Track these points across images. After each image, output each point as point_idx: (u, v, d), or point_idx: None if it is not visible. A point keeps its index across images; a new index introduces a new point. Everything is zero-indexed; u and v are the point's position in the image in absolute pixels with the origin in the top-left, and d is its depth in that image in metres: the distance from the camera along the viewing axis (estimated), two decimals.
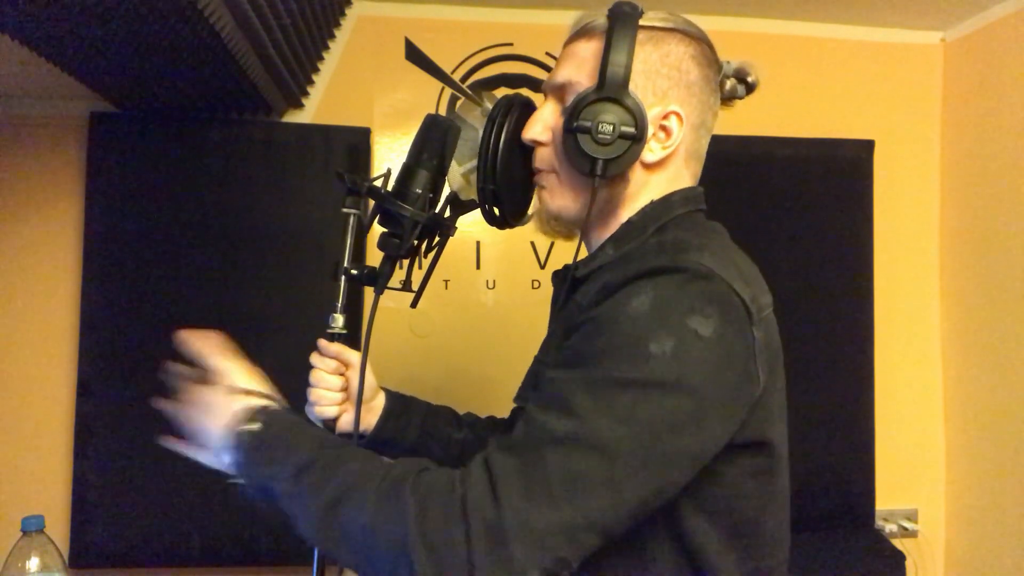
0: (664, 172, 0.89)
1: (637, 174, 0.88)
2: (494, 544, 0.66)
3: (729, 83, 0.94)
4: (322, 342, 1.02)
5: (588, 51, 0.87)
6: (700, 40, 0.89)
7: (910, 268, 2.09)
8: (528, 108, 0.97)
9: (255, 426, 0.82)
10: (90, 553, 1.72)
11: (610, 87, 0.81)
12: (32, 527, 1.20)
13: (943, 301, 2.10)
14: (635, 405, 0.69)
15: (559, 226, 0.92)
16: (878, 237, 2.03)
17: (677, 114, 0.86)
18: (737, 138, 1.94)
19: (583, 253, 0.92)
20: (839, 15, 2.01)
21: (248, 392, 0.88)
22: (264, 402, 0.87)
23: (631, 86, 0.82)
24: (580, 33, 0.89)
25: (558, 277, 1.01)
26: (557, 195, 0.91)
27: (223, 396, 0.87)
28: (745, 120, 1.80)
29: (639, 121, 0.81)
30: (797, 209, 2.00)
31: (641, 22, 0.85)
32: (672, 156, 0.88)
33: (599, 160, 0.82)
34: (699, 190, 0.92)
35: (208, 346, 0.94)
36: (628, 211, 0.89)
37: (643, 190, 0.89)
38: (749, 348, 0.75)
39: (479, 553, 0.66)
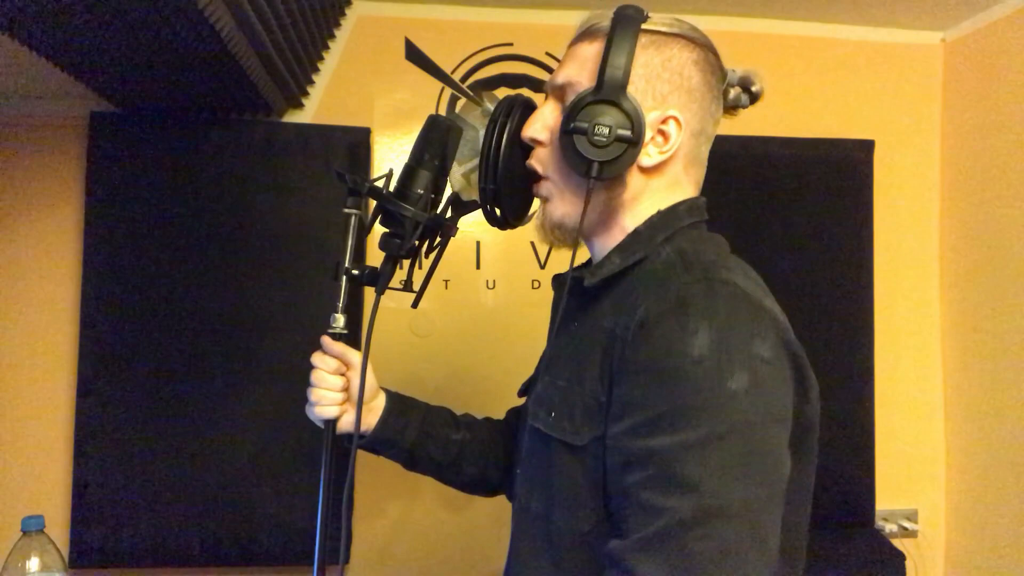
0: (663, 177, 0.89)
1: (635, 178, 0.87)
2: None
3: (733, 91, 0.93)
4: (326, 339, 1.02)
5: (590, 52, 0.87)
6: (704, 47, 0.89)
7: (910, 268, 2.09)
8: (529, 109, 0.97)
9: None
10: (90, 553, 1.72)
11: (608, 89, 0.81)
12: (32, 527, 1.20)
13: (943, 301, 2.10)
14: (745, 454, 0.70)
15: (562, 234, 0.91)
16: (878, 237, 2.03)
17: (676, 119, 0.86)
18: (737, 138, 1.94)
19: (581, 254, 0.91)
20: (839, 15, 2.01)
21: None
22: None
23: (631, 89, 0.82)
24: (584, 35, 0.89)
25: (559, 282, 1.00)
26: (559, 204, 0.90)
27: None
28: (745, 120, 1.79)
29: (636, 124, 0.81)
30: (797, 209, 2.00)
31: (645, 26, 0.85)
32: (670, 161, 0.88)
33: (594, 162, 0.82)
34: (702, 201, 0.92)
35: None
36: (630, 216, 0.89)
37: (643, 195, 0.89)
38: (790, 356, 0.78)
39: None
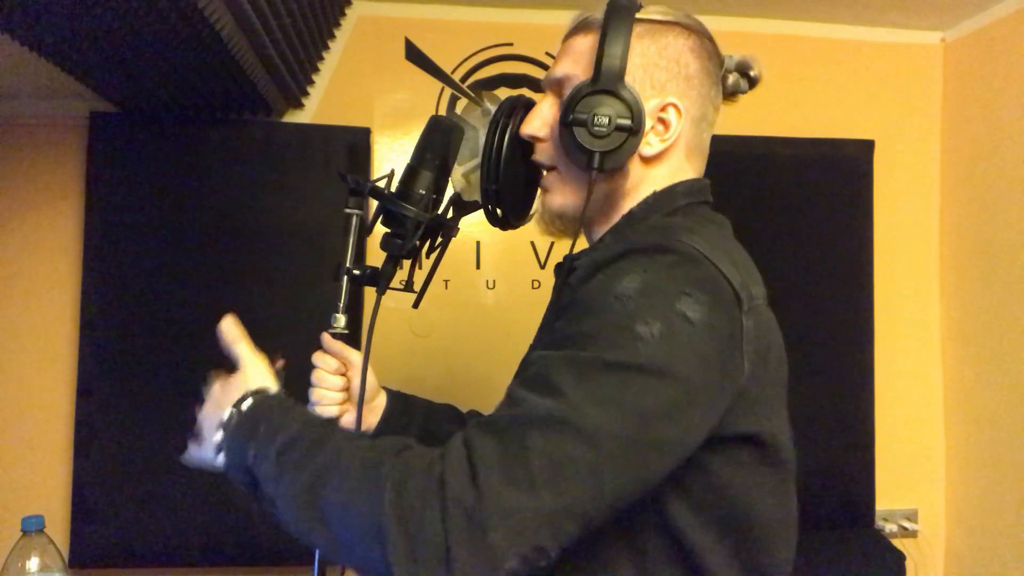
0: (664, 166, 0.88)
1: (636, 167, 0.87)
2: (472, 529, 0.63)
3: (732, 77, 0.93)
4: (326, 338, 1.02)
5: (585, 45, 0.87)
6: (700, 33, 0.89)
7: (910, 268, 2.09)
8: (530, 109, 0.96)
9: (246, 404, 0.82)
10: (90, 553, 1.72)
11: (605, 79, 0.81)
12: (32, 527, 1.20)
13: (943, 301, 2.10)
14: (621, 389, 0.67)
15: (562, 224, 0.91)
16: (878, 237, 2.03)
17: (675, 106, 0.85)
18: (737, 138, 1.94)
19: (581, 244, 0.91)
20: (839, 15, 2.01)
21: (253, 381, 0.89)
22: (260, 385, 0.87)
23: (628, 79, 0.82)
24: (578, 28, 0.89)
25: (558, 268, 1.00)
26: (559, 193, 0.90)
27: (233, 383, 0.89)
28: (746, 120, 1.80)
29: (635, 113, 0.80)
30: (797, 209, 2.00)
31: (639, 16, 0.85)
32: (672, 149, 0.87)
33: (596, 153, 0.81)
34: (705, 182, 0.91)
35: (236, 335, 0.97)
36: (630, 205, 0.88)
37: (643, 184, 0.88)
38: (736, 336, 0.73)
39: (456, 538, 0.63)
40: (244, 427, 0.80)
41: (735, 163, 1.96)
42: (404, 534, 0.65)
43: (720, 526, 0.76)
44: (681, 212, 0.86)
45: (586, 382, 0.67)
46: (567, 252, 0.88)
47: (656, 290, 0.70)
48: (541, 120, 0.91)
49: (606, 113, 0.80)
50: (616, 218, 0.89)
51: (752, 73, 0.93)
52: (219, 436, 0.82)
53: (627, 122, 0.80)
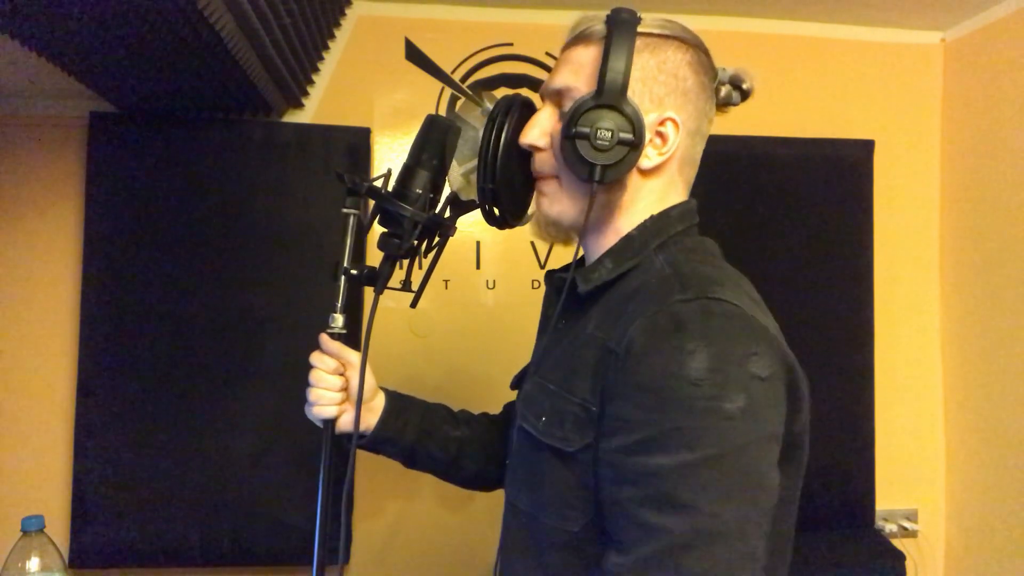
0: (660, 178, 0.90)
1: (633, 180, 0.89)
2: None
3: (724, 89, 0.94)
4: (324, 337, 1.02)
5: (586, 57, 0.87)
6: (697, 47, 0.90)
7: (910, 268, 2.09)
8: (528, 108, 0.97)
9: None
10: (90, 553, 1.72)
11: (609, 94, 0.82)
12: (32, 527, 1.20)
13: (943, 300, 2.10)
14: (737, 476, 0.71)
15: (556, 231, 0.93)
16: (878, 237, 2.03)
17: (674, 120, 0.87)
18: (737, 138, 1.94)
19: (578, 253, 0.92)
20: (839, 15, 2.01)
21: None
22: None
23: (629, 92, 0.83)
24: (578, 39, 0.90)
25: (550, 280, 1.01)
26: (556, 201, 0.91)
27: None
28: (745, 120, 1.79)
29: (637, 128, 0.82)
30: (797, 209, 2.00)
31: (640, 29, 0.85)
32: (668, 162, 0.89)
33: (597, 166, 0.83)
34: (693, 204, 0.93)
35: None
36: (625, 217, 0.90)
37: (639, 196, 0.89)
38: (783, 371, 0.79)
39: None
40: None
41: (735, 163, 1.96)
42: None
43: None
44: (679, 239, 0.89)
45: (706, 486, 0.71)
46: (568, 256, 0.89)
47: (726, 362, 0.73)
48: (540, 130, 0.91)
49: (609, 127, 0.82)
50: (609, 231, 0.91)
51: (744, 86, 0.95)
52: None
53: (629, 136, 0.82)
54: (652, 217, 0.89)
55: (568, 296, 0.89)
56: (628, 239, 0.89)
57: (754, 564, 0.72)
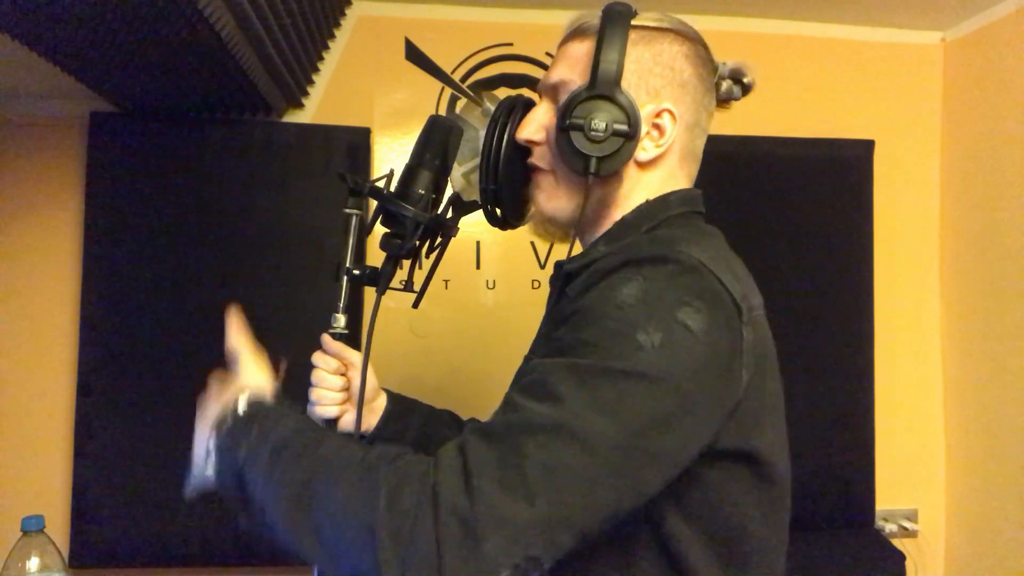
0: (658, 171, 0.88)
1: (631, 173, 0.87)
2: (465, 537, 0.63)
3: (725, 84, 0.93)
4: (326, 337, 1.02)
5: (581, 51, 0.87)
6: (694, 40, 0.89)
7: (910, 268, 2.09)
8: (530, 108, 0.97)
9: (240, 408, 0.82)
10: (90, 553, 1.72)
11: (602, 85, 0.81)
12: (32, 527, 1.20)
13: (943, 301, 2.10)
14: (620, 397, 0.67)
15: (554, 227, 0.92)
16: (878, 237, 2.03)
17: (670, 112, 0.86)
18: (737, 138, 1.94)
19: (577, 250, 0.91)
20: (839, 15, 2.01)
21: (249, 382, 0.89)
22: (256, 387, 0.87)
23: (624, 85, 0.82)
24: (573, 34, 0.89)
25: (552, 276, 1.01)
26: (552, 196, 0.90)
27: (229, 385, 0.88)
28: (745, 120, 1.79)
29: (632, 118, 0.81)
30: (797, 209, 2.00)
31: (634, 22, 0.85)
32: (666, 155, 0.87)
33: (592, 158, 0.82)
34: (697, 192, 0.92)
35: (238, 329, 0.97)
36: (622, 210, 0.88)
37: (637, 189, 0.88)
38: (736, 346, 0.73)
39: (448, 546, 0.63)
40: (238, 428, 0.80)
41: (735, 163, 1.96)
42: (396, 543, 0.64)
43: (713, 542, 0.76)
44: (675, 221, 0.86)
45: (585, 388, 0.67)
46: (566, 254, 0.88)
47: (657, 299, 0.70)
48: (537, 124, 0.91)
49: (603, 118, 0.81)
50: (607, 223, 0.89)
51: (745, 80, 0.94)
52: (211, 439, 0.82)
53: (624, 127, 0.81)
54: (648, 201, 0.87)
55: (564, 283, 0.88)
56: (622, 222, 0.87)
57: (588, 491, 0.65)
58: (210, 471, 0.83)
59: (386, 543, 0.64)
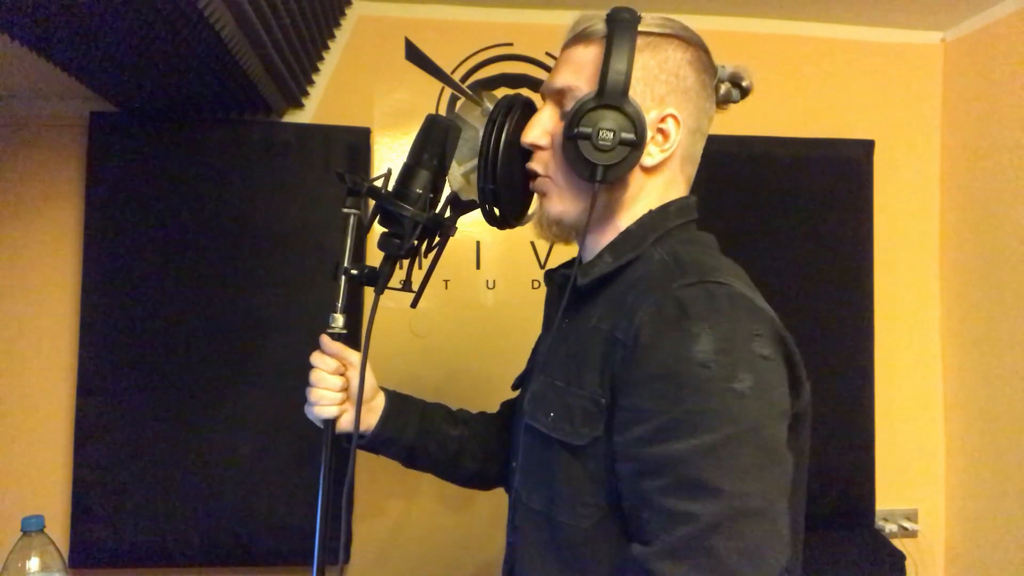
0: (661, 176, 0.90)
1: (636, 177, 0.89)
2: None
3: (724, 87, 0.95)
4: (324, 338, 1.02)
5: (587, 56, 0.87)
6: (697, 46, 0.91)
7: (910, 268, 2.09)
8: (529, 108, 0.97)
9: None
10: (90, 553, 1.72)
11: (610, 94, 0.82)
12: (32, 527, 1.20)
13: (943, 301, 2.10)
14: (756, 453, 0.72)
15: (558, 231, 0.93)
16: (878, 237, 2.03)
17: (675, 118, 0.87)
18: (737, 138, 1.94)
19: (571, 251, 0.93)
20: (839, 15, 2.01)
21: None
22: None
23: (630, 92, 0.83)
24: (578, 38, 0.90)
25: (551, 280, 1.01)
26: (557, 201, 0.91)
27: None
28: (745, 120, 1.80)
29: (639, 128, 0.82)
30: (797, 209, 2.00)
31: (640, 28, 0.85)
32: (669, 159, 0.89)
33: (599, 166, 0.83)
34: (692, 200, 0.94)
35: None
36: (626, 215, 0.90)
37: (640, 194, 0.90)
38: (791, 356, 0.80)
39: None
40: None
41: (734, 163, 1.96)
42: None
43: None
44: (676, 232, 0.89)
45: (727, 466, 0.71)
46: (568, 255, 0.89)
47: (732, 343, 0.74)
48: (541, 129, 0.91)
49: (611, 128, 0.82)
50: (609, 228, 0.91)
51: (744, 84, 0.96)
52: None
53: (631, 136, 0.82)
54: (650, 212, 0.89)
55: (570, 293, 0.89)
56: (627, 233, 0.89)
57: (781, 538, 0.72)
58: None
59: None
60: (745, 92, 0.96)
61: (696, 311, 0.75)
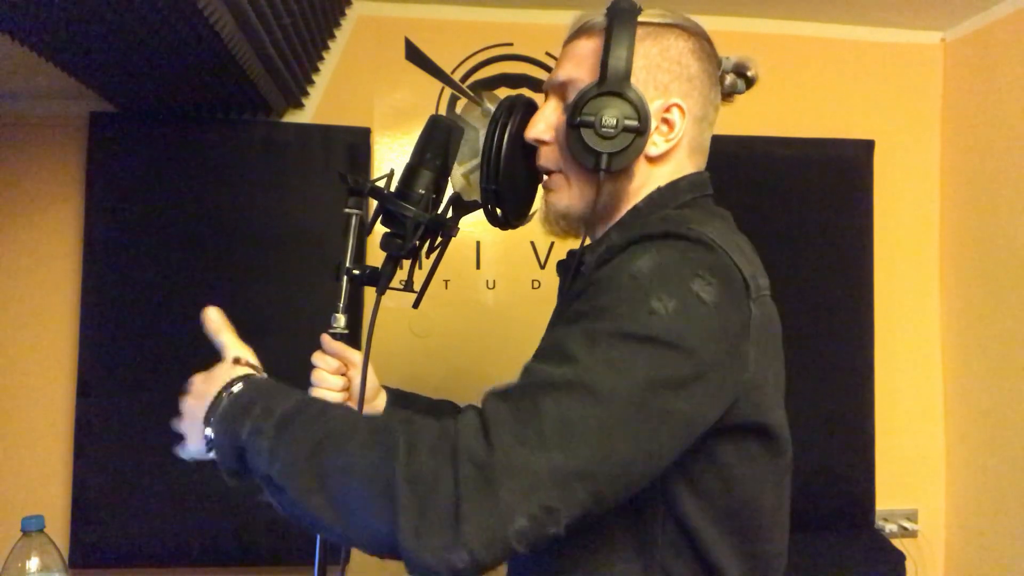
0: (668, 165, 0.89)
1: (641, 167, 0.88)
2: (482, 485, 0.64)
3: (729, 78, 0.94)
4: (325, 337, 1.02)
5: (588, 48, 0.88)
6: (699, 35, 0.90)
7: (910, 268, 2.09)
8: (530, 108, 0.97)
9: (236, 387, 0.82)
10: (90, 553, 1.72)
11: (612, 81, 0.82)
12: (32, 527, 1.19)
13: (943, 301, 2.10)
14: (633, 357, 0.68)
15: (566, 224, 0.92)
16: (878, 237, 2.03)
17: (679, 106, 0.86)
18: (737, 138, 1.94)
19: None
20: (839, 15, 2.01)
21: (237, 362, 0.90)
22: (248, 370, 0.87)
23: (633, 80, 0.83)
24: (579, 32, 0.90)
25: (563, 266, 1.01)
26: (564, 194, 0.91)
27: (217, 371, 0.88)
28: (745, 120, 1.80)
29: (642, 114, 0.82)
30: (797, 209, 2.00)
31: (640, 19, 0.86)
32: (675, 149, 0.88)
33: (603, 154, 0.82)
34: (705, 175, 0.92)
35: (220, 325, 0.96)
36: (631, 204, 0.89)
37: (647, 184, 0.89)
38: (745, 323, 0.75)
39: (466, 494, 0.63)
40: (236, 407, 0.80)
41: (735, 163, 1.96)
42: (414, 493, 0.65)
43: (726, 516, 0.78)
44: (686, 206, 0.88)
45: (599, 349, 0.69)
46: (569, 251, 0.89)
47: (670, 270, 0.72)
48: (545, 123, 0.91)
49: (613, 115, 0.82)
50: (617, 217, 0.90)
51: (749, 74, 0.95)
52: (207, 421, 0.82)
53: (634, 123, 0.82)
54: (659, 188, 0.88)
55: (575, 272, 0.89)
56: (635, 211, 0.89)
57: (602, 444, 0.66)
58: (206, 451, 0.83)
59: (405, 493, 0.65)
60: (751, 82, 0.95)
61: (652, 241, 0.75)
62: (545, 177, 0.94)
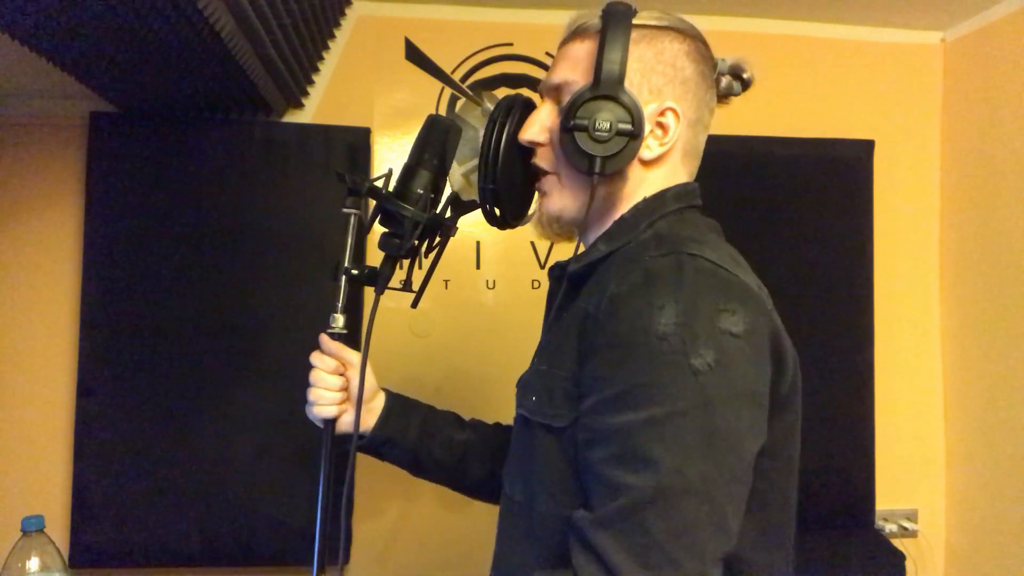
0: (661, 169, 0.89)
1: (635, 171, 0.88)
2: None
3: (725, 80, 0.94)
4: (324, 337, 1.02)
5: (583, 51, 0.87)
6: (694, 37, 0.90)
7: (910, 268, 2.09)
8: (529, 108, 0.97)
9: None
10: (90, 553, 1.72)
11: (606, 85, 0.82)
12: (32, 527, 1.20)
13: (943, 301, 2.10)
14: (704, 433, 0.70)
15: (559, 227, 0.92)
16: (878, 237, 2.03)
17: (674, 110, 0.86)
18: (737, 138, 1.94)
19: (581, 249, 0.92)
20: (839, 15, 2.01)
21: None
22: None
23: (627, 84, 0.83)
24: (574, 34, 0.90)
25: (552, 274, 1.01)
26: (557, 197, 0.91)
27: None
28: (745, 120, 1.80)
29: (636, 117, 0.82)
30: (797, 209, 2.00)
31: (634, 21, 0.85)
32: (669, 152, 0.88)
33: (597, 158, 0.82)
34: (693, 185, 0.92)
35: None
36: (625, 209, 0.89)
37: (641, 187, 0.89)
38: (772, 333, 0.78)
39: None
40: None
41: (734, 163, 1.96)
42: None
43: (756, 504, 0.79)
44: (672, 217, 0.87)
45: (670, 441, 0.70)
46: (567, 252, 0.89)
47: (694, 316, 0.72)
48: (540, 125, 0.91)
49: (607, 118, 0.82)
50: (608, 221, 0.90)
51: (745, 76, 0.95)
52: None
53: (628, 127, 0.82)
54: (645, 199, 0.88)
55: (565, 283, 0.89)
56: (621, 221, 0.88)
57: (720, 523, 0.70)
58: None
59: None
60: (746, 84, 0.95)
61: (662, 282, 0.74)
62: (540, 178, 0.93)
